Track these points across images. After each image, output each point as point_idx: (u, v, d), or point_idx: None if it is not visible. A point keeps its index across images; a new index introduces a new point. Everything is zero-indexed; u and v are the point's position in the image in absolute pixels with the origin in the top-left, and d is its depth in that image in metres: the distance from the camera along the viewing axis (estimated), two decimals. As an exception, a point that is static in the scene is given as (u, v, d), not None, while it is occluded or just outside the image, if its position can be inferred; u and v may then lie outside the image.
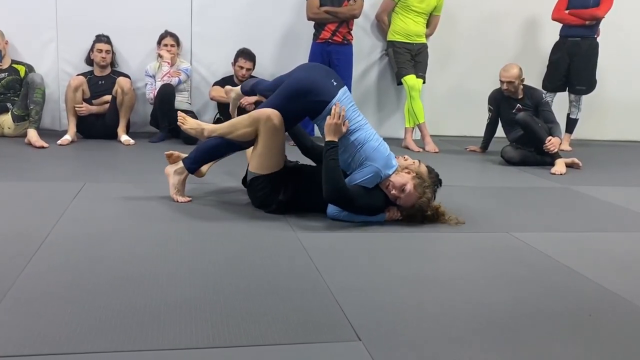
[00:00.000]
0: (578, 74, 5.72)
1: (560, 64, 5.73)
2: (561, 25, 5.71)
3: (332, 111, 2.87)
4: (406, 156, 3.08)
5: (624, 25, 6.29)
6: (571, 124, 5.91)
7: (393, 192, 2.90)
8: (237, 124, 3.04)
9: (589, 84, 5.78)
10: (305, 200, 3.01)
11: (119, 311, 1.80)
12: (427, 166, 3.03)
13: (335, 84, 3.00)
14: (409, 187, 2.87)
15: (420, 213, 2.94)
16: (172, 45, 5.14)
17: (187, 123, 3.20)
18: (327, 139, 2.89)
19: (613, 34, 6.09)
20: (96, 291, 1.95)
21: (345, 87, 3.03)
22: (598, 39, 5.73)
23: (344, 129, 2.88)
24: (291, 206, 3.01)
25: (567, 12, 5.62)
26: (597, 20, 5.59)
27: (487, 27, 6.18)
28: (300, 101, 2.95)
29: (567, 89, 5.83)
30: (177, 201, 3.12)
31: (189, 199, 3.14)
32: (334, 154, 2.84)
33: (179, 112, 3.32)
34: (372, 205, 2.93)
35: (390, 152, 2.99)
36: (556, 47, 5.80)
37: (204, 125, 3.20)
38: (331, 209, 2.93)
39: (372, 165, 2.88)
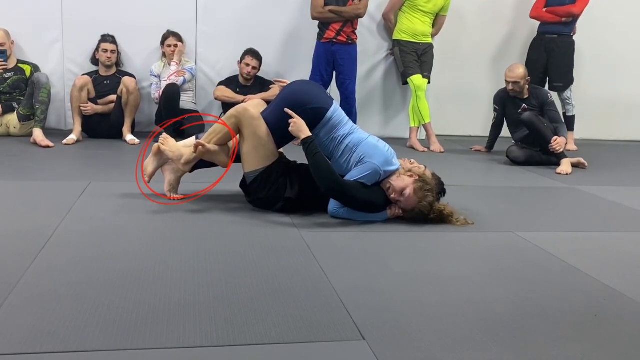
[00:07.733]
0: (555, 71, 5.79)
1: (538, 61, 5.79)
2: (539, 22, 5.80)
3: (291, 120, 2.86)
4: (412, 160, 3.06)
5: (630, 25, 6.26)
6: (569, 121, 5.88)
7: (393, 195, 2.89)
8: (215, 130, 3.00)
9: (566, 81, 5.82)
10: (309, 198, 3.00)
11: (123, 309, 1.81)
12: (432, 173, 3.01)
13: (330, 96, 3.03)
14: (409, 191, 2.86)
15: (422, 217, 2.92)
16: (175, 46, 5.14)
17: (167, 144, 3.10)
18: (301, 140, 2.86)
19: (620, 34, 6.06)
20: (101, 289, 1.95)
21: (336, 103, 3.06)
22: (574, 37, 5.80)
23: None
24: (297, 204, 3.00)
25: (545, 10, 5.71)
26: (573, 17, 5.66)
27: (493, 27, 6.17)
28: (298, 111, 2.91)
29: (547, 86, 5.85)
30: (171, 198, 3.13)
31: (182, 196, 3.15)
32: (314, 148, 2.83)
33: (162, 135, 3.17)
34: (373, 200, 2.91)
35: (392, 150, 2.99)
36: (534, 44, 5.89)
37: (183, 151, 3.05)
38: (332, 205, 2.92)
39: (370, 161, 2.87)
